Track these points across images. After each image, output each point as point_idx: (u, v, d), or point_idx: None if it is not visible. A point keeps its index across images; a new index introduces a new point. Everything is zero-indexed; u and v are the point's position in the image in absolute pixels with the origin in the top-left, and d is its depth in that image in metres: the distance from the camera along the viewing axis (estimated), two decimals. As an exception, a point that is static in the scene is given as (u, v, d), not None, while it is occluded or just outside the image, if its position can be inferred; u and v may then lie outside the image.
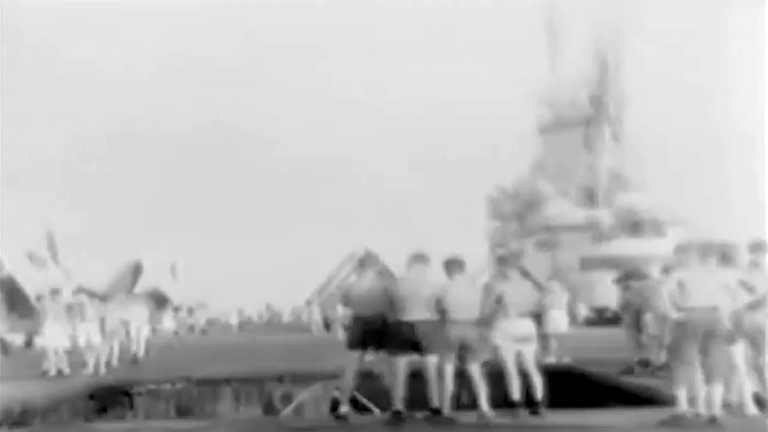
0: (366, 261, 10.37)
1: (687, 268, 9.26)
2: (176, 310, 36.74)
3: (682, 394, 9.09)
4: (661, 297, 9.29)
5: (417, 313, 9.60)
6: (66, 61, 78.88)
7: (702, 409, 9.16)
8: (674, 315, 9.10)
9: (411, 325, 9.59)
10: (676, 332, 9.20)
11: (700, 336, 9.01)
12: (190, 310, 45.14)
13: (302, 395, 13.41)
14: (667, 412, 9.28)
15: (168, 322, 32.62)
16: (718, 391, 9.05)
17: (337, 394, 11.51)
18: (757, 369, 10.05)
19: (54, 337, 16.35)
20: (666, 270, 12.35)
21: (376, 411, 10.19)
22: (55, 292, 17.37)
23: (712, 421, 8.97)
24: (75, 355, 16.92)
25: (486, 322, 9.96)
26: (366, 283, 10.03)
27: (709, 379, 9.07)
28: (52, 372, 16.03)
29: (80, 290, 26.00)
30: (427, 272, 9.89)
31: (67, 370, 16.17)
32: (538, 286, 13.59)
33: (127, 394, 14.84)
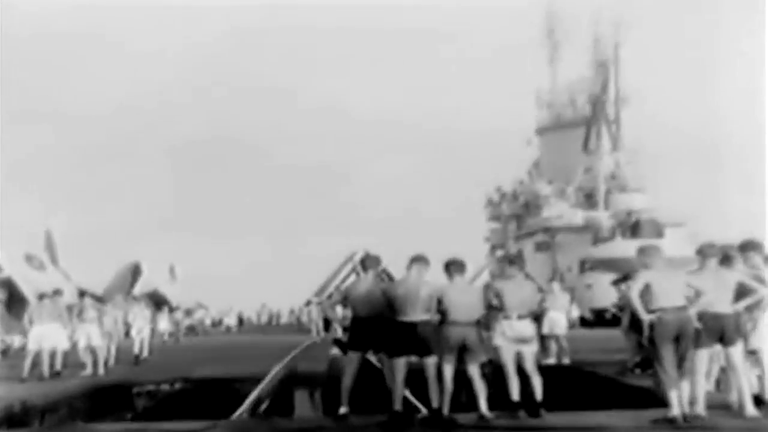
0: (367, 262, 10.33)
1: (652, 269, 9.39)
2: (171, 311, 36.63)
3: (673, 395, 9.14)
4: (634, 299, 9.39)
5: (416, 314, 9.62)
6: (68, 62, 78.89)
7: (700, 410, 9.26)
8: (645, 317, 9.21)
9: (410, 326, 9.61)
10: (650, 333, 9.28)
11: (672, 336, 9.14)
12: (188, 312, 45.09)
13: (252, 396, 13.11)
14: (663, 412, 9.33)
15: (164, 323, 32.55)
16: (688, 389, 9.24)
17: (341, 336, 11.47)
18: (755, 370, 10.09)
19: (50, 338, 16.18)
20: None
21: (424, 410, 10.15)
22: (56, 293, 17.24)
23: (692, 418, 9.10)
24: (63, 357, 16.76)
25: (487, 322, 9.99)
26: (365, 284, 10.04)
27: (683, 379, 9.23)
28: (46, 373, 15.88)
29: (82, 292, 25.96)
30: (426, 274, 9.90)
31: (46, 372, 15.94)
32: (539, 288, 13.59)
33: (127, 395, 14.83)
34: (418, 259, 9.91)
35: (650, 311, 9.21)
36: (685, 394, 9.27)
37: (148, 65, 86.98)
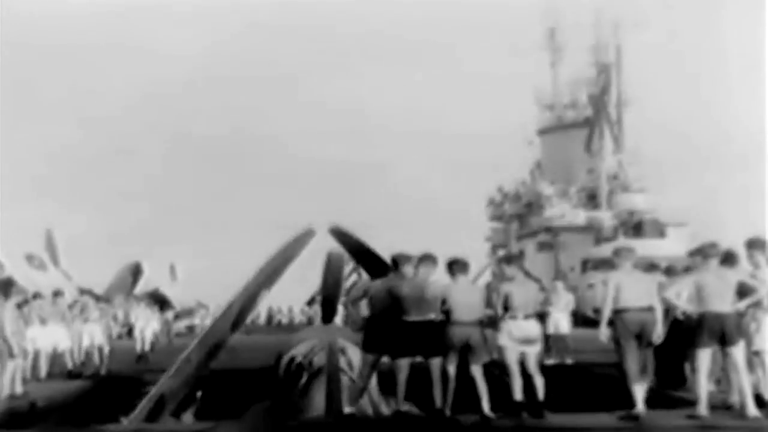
0: (399, 260, 10.12)
1: (621, 270, 9.75)
2: (162, 310, 36.39)
3: (637, 390, 9.46)
4: (604, 299, 9.78)
5: (421, 314, 9.60)
6: (73, 62, 78.83)
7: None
8: (605, 316, 9.65)
9: (415, 326, 9.58)
10: (615, 331, 9.64)
11: (632, 334, 9.51)
12: (189, 312, 44.92)
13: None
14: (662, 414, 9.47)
15: (156, 323, 32.26)
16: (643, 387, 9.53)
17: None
18: (757, 370, 10.09)
19: (46, 338, 16.10)
20: (669, 270, 12.39)
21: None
22: (57, 294, 17.20)
23: (634, 418, 9.37)
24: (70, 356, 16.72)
25: (494, 323, 10.02)
26: (381, 283, 10.00)
27: (642, 377, 9.54)
28: (43, 374, 15.82)
29: (84, 292, 25.98)
30: (434, 273, 9.86)
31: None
32: (542, 287, 13.62)
33: (129, 394, 14.83)
34: (427, 259, 9.87)
35: (615, 310, 9.59)
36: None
37: (155, 69, 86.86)
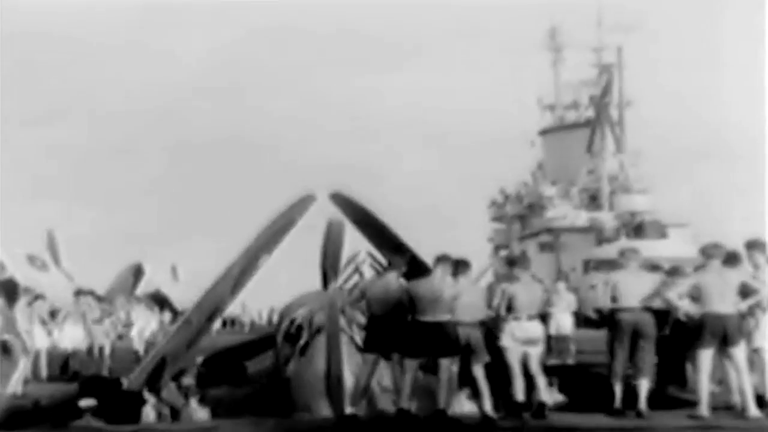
0: (394, 261, 10.13)
1: (624, 270, 9.94)
2: (164, 311, 36.25)
3: (617, 388, 9.76)
4: (604, 297, 10.05)
5: (437, 314, 9.55)
6: (75, 61, 78.86)
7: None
8: (592, 314, 9.70)
9: (430, 326, 9.55)
10: (609, 330, 9.86)
11: (627, 334, 9.69)
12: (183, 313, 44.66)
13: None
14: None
15: (153, 324, 32.16)
16: (644, 386, 9.70)
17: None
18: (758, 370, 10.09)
19: (73, 338, 16.12)
20: (672, 271, 12.38)
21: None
22: (79, 293, 17.19)
23: (639, 415, 9.54)
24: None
25: (496, 323, 10.04)
26: (384, 282, 9.99)
27: (635, 376, 9.75)
28: (44, 374, 15.80)
29: (86, 292, 25.94)
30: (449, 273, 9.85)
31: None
32: (544, 288, 13.63)
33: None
34: (443, 259, 9.85)
35: (615, 309, 9.77)
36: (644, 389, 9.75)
37: (154, 68, 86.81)
